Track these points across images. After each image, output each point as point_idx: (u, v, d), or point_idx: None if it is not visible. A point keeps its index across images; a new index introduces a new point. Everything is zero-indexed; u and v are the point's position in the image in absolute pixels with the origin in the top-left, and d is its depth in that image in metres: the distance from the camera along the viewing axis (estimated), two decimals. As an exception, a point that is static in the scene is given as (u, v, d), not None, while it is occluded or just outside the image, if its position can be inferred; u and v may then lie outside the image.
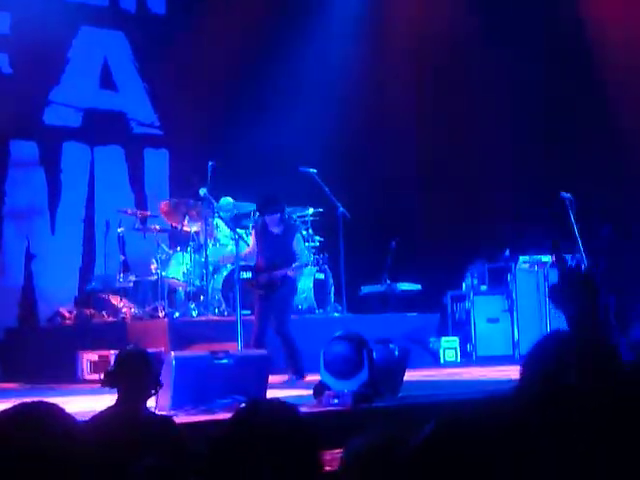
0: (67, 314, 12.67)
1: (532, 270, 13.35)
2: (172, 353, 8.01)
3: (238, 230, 10.84)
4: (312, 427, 2.50)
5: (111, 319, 12.04)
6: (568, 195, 11.97)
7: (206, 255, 11.55)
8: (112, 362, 5.60)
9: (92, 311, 12.28)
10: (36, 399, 2.42)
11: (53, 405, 2.37)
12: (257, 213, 10.74)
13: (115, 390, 5.22)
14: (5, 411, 2.33)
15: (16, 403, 2.38)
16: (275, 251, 10.13)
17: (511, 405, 2.81)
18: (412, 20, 15.53)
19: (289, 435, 2.43)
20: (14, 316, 13.66)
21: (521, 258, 13.45)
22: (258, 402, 2.61)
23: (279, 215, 10.19)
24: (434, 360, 12.89)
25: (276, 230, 10.22)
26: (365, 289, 14.25)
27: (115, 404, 5.19)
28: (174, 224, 12.30)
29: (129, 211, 13.07)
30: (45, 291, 13.86)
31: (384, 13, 15.68)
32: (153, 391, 5.33)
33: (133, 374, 5.20)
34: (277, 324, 10.16)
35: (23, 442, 2.22)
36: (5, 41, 13.82)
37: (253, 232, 10.58)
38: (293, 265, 10.17)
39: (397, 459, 2.94)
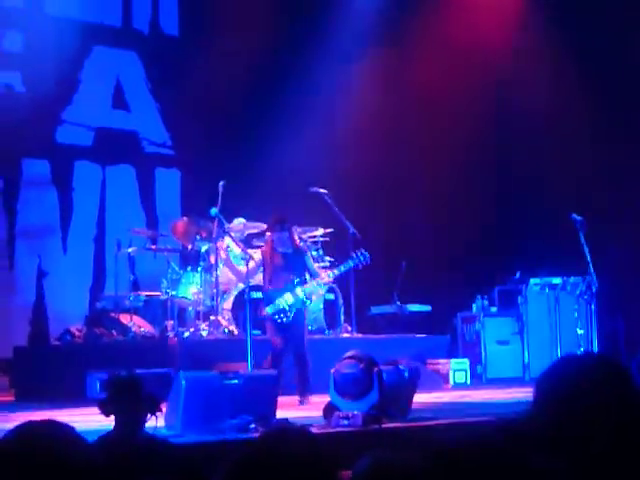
0: (77, 333, 12.67)
1: (543, 292, 13.32)
2: (181, 373, 8.01)
3: (249, 250, 10.83)
4: (331, 453, 2.50)
5: (121, 338, 12.03)
6: (579, 217, 11.97)
7: (216, 275, 11.56)
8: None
9: (102, 330, 12.28)
10: (45, 418, 2.42)
11: (62, 424, 2.38)
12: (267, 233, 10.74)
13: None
14: (13, 430, 2.34)
15: (23, 421, 2.39)
16: (288, 270, 10.16)
17: (522, 429, 2.80)
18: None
19: (311, 461, 2.43)
20: (25, 334, 13.69)
21: (532, 280, 13.42)
22: (281, 428, 2.61)
23: (287, 234, 10.20)
24: (444, 382, 12.85)
25: (284, 250, 10.22)
26: (375, 310, 14.25)
27: (113, 429, 5.21)
28: (185, 244, 12.32)
29: (140, 230, 13.10)
30: (56, 309, 13.89)
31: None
32: (149, 414, 5.33)
33: (125, 400, 5.22)
34: (297, 344, 10.17)
35: (30, 460, 2.23)
36: (18, 60, 13.91)
37: (259, 251, 10.59)
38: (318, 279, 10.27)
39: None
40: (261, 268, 10.37)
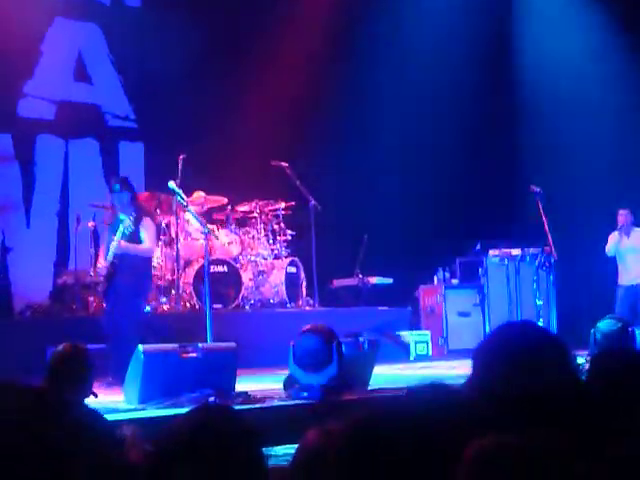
0: (38, 308, 12.66)
1: (502, 264, 13.39)
2: (140, 347, 8.02)
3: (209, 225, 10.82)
4: (254, 430, 2.53)
5: (82, 313, 12.02)
6: (538, 188, 12.06)
7: (177, 249, 11.57)
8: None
9: (63, 305, 12.26)
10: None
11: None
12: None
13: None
14: None
15: None
16: None
17: (460, 397, 2.84)
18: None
19: (234, 440, 2.46)
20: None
21: (491, 252, 13.49)
22: (202, 408, 2.64)
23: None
24: (405, 354, 12.94)
25: None
26: (337, 283, 14.31)
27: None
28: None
29: (100, 204, 13.04)
30: (20, 285, 13.81)
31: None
32: (88, 388, 5.40)
33: (64, 373, 5.27)
34: None
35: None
36: (-22, 33, 13.75)
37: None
38: None
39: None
40: None
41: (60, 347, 5.88)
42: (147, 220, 10.02)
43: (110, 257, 9.86)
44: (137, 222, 9.91)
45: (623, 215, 13.16)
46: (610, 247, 13.15)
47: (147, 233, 9.95)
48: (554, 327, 12.48)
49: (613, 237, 13.17)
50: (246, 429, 2.48)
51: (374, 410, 2.26)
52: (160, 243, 11.92)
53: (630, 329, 8.67)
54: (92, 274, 11.02)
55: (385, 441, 2.15)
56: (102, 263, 10.02)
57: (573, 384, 2.81)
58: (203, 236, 10.05)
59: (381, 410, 2.28)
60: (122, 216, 9.88)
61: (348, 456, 2.17)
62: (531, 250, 13.02)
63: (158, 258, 11.96)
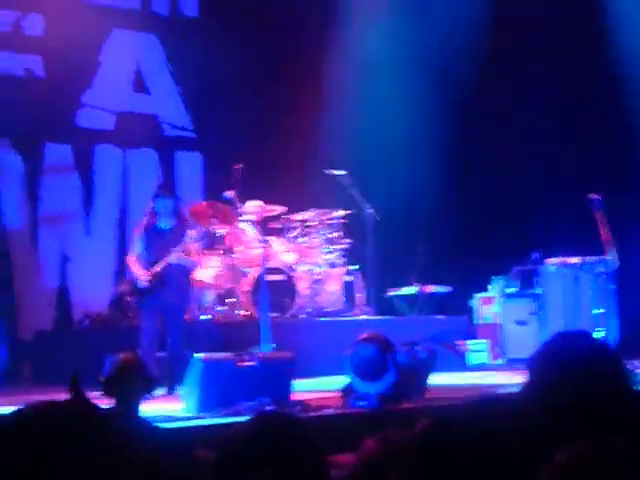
0: (97, 317, 12.80)
1: (561, 272, 13.25)
2: (199, 356, 8.09)
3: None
4: (315, 437, 2.54)
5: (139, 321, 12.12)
6: (596, 196, 11.95)
7: (234, 258, 11.62)
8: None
9: (121, 314, 12.37)
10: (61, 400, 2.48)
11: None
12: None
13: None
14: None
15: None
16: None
17: (516, 407, 2.84)
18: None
19: (297, 448, 2.47)
20: (49, 319, 13.77)
21: (549, 260, 13.37)
22: (267, 416, 2.66)
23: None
24: (462, 363, 12.87)
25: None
26: (394, 291, 14.28)
27: (111, 409, 5.32)
28: (203, 227, 12.31)
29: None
30: (80, 294, 13.95)
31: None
32: (146, 394, 5.47)
33: (122, 381, 5.34)
34: None
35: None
36: (39, 44, 13.95)
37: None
38: None
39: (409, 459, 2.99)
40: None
41: (118, 356, 5.95)
42: (192, 232, 10.08)
43: (160, 267, 9.85)
44: (184, 232, 9.98)
45: None
46: None
47: (193, 245, 10.04)
48: (616, 336, 12.32)
49: None
50: (306, 436, 2.50)
51: (439, 421, 2.26)
52: (218, 252, 11.99)
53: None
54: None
55: (452, 451, 2.15)
56: (143, 273, 9.95)
57: (625, 395, 2.81)
58: (260, 245, 10.10)
59: (446, 421, 2.29)
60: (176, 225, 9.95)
61: (417, 466, 2.18)
62: (590, 258, 12.89)
63: (215, 267, 12.02)
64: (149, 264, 9.92)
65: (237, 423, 2.61)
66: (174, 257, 9.85)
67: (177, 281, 9.89)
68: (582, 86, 14.80)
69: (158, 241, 9.92)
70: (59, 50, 13.70)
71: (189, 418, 7.54)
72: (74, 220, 14.27)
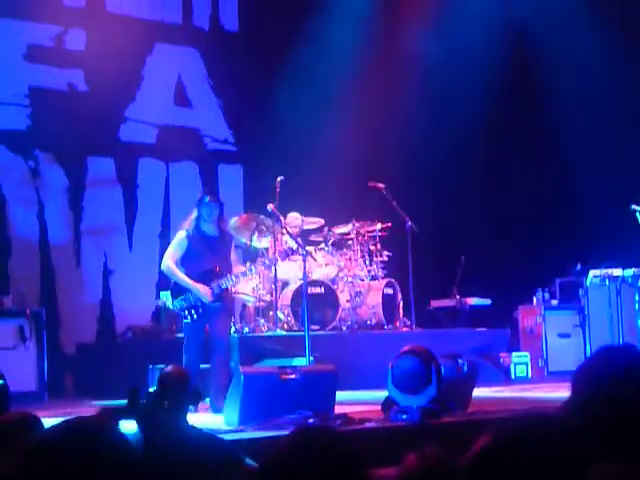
0: (139, 329, 12.87)
1: (604, 284, 13.16)
2: (241, 369, 8.11)
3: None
4: (356, 451, 2.54)
5: (181, 334, 12.16)
6: (639, 207, 11.86)
7: (275, 270, 11.63)
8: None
9: (163, 326, 12.44)
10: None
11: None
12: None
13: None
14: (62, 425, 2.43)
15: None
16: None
17: (562, 421, 2.82)
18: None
19: (338, 462, 2.48)
20: (92, 332, 13.85)
21: (592, 272, 13.28)
22: (307, 429, 2.66)
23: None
24: (505, 376, 12.82)
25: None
26: (434, 304, 14.25)
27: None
28: (244, 239, 12.37)
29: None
30: (123, 307, 14.03)
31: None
32: (192, 406, 5.52)
33: (171, 392, 5.39)
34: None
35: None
36: (80, 58, 14.07)
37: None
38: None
39: (450, 475, 2.98)
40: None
41: (167, 368, 6.00)
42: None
43: (227, 285, 9.56)
44: (230, 241, 9.89)
45: None
46: None
47: (238, 257, 9.94)
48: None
49: None
50: (348, 449, 2.50)
51: (498, 438, 2.26)
52: (258, 265, 12.00)
53: None
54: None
55: (508, 469, 2.15)
56: (204, 288, 9.47)
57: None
58: (301, 258, 10.10)
59: (502, 438, 2.28)
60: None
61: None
62: (633, 270, 12.78)
63: (256, 280, 12.05)
64: (199, 274, 9.49)
65: (279, 436, 2.62)
66: (238, 271, 9.72)
67: (228, 299, 9.81)
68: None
69: (206, 249, 9.55)
70: (101, 64, 13.82)
71: (231, 431, 7.55)
72: (117, 233, 14.35)
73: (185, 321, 9.55)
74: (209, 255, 9.54)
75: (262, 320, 12.10)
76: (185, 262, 9.58)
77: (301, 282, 11.08)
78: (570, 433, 2.56)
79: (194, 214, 9.69)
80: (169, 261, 9.58)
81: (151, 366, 10.23)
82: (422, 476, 3.12)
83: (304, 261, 9.77)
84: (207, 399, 9.17)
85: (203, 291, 9.39)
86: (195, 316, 9.42)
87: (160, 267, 9.98)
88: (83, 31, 14.11)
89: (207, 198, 9.66)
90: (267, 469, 2.51)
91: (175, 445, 4.63)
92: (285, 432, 7.07)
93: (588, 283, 13.28)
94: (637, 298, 12.26)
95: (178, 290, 9.55)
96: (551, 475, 2.11)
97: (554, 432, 2.39)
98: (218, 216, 9.65)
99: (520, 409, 8.09)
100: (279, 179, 11.90)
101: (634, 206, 11.89)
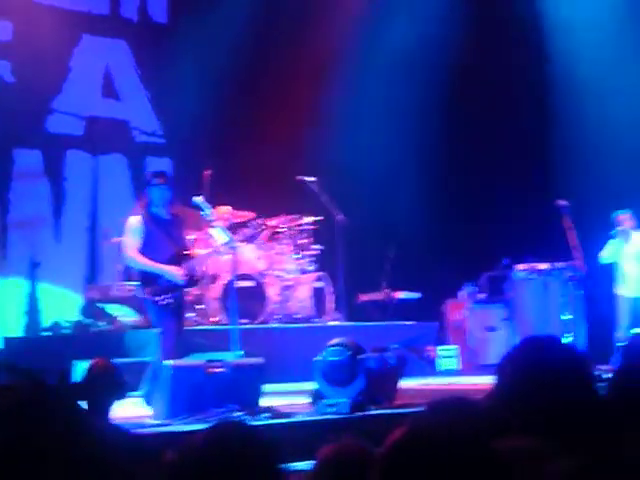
0: (66, 323, 12.74)
1: (530, 278, 13.31)
2: (168, 362, 8.06)
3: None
4: (272, 446, 2.54)
5: (108, 328, 12.07)
6: (565, 202, 12.01)
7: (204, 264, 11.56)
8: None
9: (90, 320, 12.33)
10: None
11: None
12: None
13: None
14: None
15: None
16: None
17: (485, 410, 2.86)
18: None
19: (251, 457, 2.48)
20: (20, 325, 13.69)
21: (518, 266, 13.42)
22: (221, 425, 2.66)
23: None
24: (432, 369, 12.92)
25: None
26: (364, 297, 14.30)
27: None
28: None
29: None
30: (50, 300, 13.88)
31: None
32: (117, 400, 5.48)
33: (96, 386, 5.35)
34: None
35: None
36: (7, 49, 13.88)
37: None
38: None
39: (366, 466, 3.00)
40: None
41: (93, 361, 5.94)
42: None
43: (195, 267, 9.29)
44: (182, 224, 9.51)
45: (625, 219, 12.51)
46: (608, 253, 12.51)
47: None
48: (584, 342, 12.40)
49: (612, 243, 12.53)
50: (262, 445, 2.50)
51: (412, 429, 2.27)
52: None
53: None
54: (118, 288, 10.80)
55: (423, 459, 2.16)
56: (175, 269, 9.04)
57: (591, 400, 2.83)
58: (229, 251, 10.05)
59: (417, 428, 2.30)
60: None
61: (388, 474, 2.19)
62: (559, 264, 12.94)
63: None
64: (165, 260, 9.02)
65: (196, 431, 2.62)
66: (202, 253, 9.46)
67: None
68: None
69: (162, 233, 9.09)
70: (28, 56, 13.66)
71: (158, 425, 7.51)
72: (44, 226, 14.19)
73: (156, 307, 9.02)
74: (168, 239, 9.13)
75: (191, 314, 12.04)
76: (147, 249, 9.03)
77: (229, 276, 11.03)
78: (490, 422, 2.60)
79: (144, 197, 9.26)
80: (131, 251, 9.05)
81: (76, 360, 10.12)
82: (338, 467, 3.15)
83: (233, 255, 9.71)
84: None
85: (177, 273, 8.99)
86: (171, 300, 8.99)
87: (123, 259, 9.53)
88: (9, 22, 13.92)
89: (157, 180, 9.21)
90: (179, 465, 2.51)
91: (91, 440, 4.58)
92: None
93: (515, 277, 13.43)
94: (563, 292, 12.42)
95: (148, 277, 9.03)
96: (462, 464, 2.13)
97: (468, 422, 2.42)
98: (170, 199, 9.23)
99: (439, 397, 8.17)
100: (208, 172, 11.85)
101: (559, 201, 12.04)
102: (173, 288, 9.00)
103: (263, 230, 13.09)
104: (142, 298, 9.26)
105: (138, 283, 9.21)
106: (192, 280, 9.21)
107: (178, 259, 9.09)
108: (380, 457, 2.27)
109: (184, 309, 9.40)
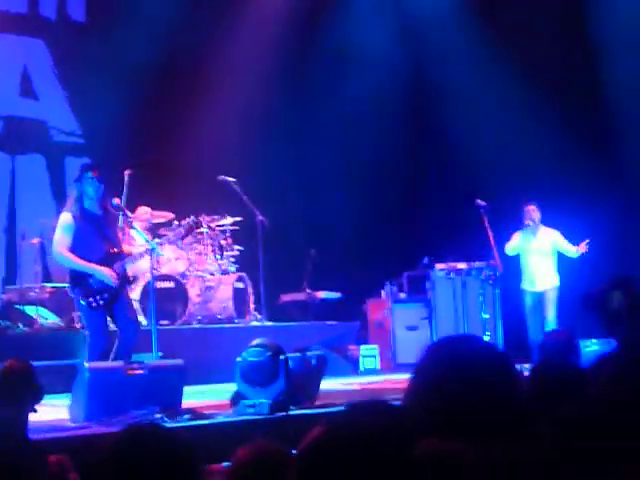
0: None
1: (449, 277, 13.42)
2: (85, 364, 7.98)
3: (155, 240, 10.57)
4: (186, 448, 2.53)
5: (26, 330, 11.88)
6: (483, 202, 12.14)
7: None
8: None
9: (8, 322, 12.14)
10: None
11: None
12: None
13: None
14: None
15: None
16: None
17: (403, 411, 2.86)
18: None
19: (167, 459, 2.46)
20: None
21: (438, 265, 13.53)
22: (135, 428, 2.64)
23: None
24: (354, 368, 12.97)
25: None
26: (285, 298, 14.30)
27: None
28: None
29: (48, 221, 12.91)
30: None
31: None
32: (32, 403, 5.39)
33: (10, 389, 5.26)
34: None
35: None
36: None
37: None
38: None
39: (280, 466, 3.01)
40: None
41: (4, 363, 5.83)
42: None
43: (128, 265, 9.08)
44: (116, 220, 9.24)
45: (531, 211, 12.44)
46: (512, 246, 12.46)
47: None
48: (500, 340, 12.56)
49: (517, 236, 12.51)
50: (177, 447, 2.48)
51: (329, 430, 2.27)
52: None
53: (575, 341, 8.72)
54: (37, 290, 10.62)
55: (338, 460, 2.16)
56: (111, 272, 8.80)
57: (511, 397, 2.84)
58: (149, 252, 9.95)
59: (334, 429, 2.30)
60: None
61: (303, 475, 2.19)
62: (477, 264, 13.07)
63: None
64: (98, 258, 8.76)
65: (107, 435, 2.60)
66: (136, 251, 9.22)
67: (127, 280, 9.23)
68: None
69: (95, 230, 8.81)
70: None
71: (75, 428, 7.43)
72: (-38, 226, 13.97)
73: (87, 308, 8.79)
74: (100, 236, 8.85)
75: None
76: (78, 247, 8.75)
77: (149, 277, 10.93)
78: (409, 423, 2.60)
79: (74, 193, 8.94)
80: (60, 248, 8.73)
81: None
82: (252, 468, 3.15)
83: (151, 256, 9.61)
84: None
85: (107, 274, 8.73)
86: (101, 302, 8.75)
87: (53, 257, 9.20)
88: None
89: (91, 174, 8.85)
90: (89, 469, 2.49)
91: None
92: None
93: (434, 276, 13.53)
94: (481, 291, 12.54)
95: (77, 277, 8.78)
96: (379, 465, 2.14)
97: (386, 423, 2.42)
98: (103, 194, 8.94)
99: (357, 399, 8.22)
100: (127, 172, 11.75)
101: (478, 201, 12.15)
102: (104, 289, 8.80)
103: (183, 230, 13.00)
104: (72, 298, 9.07)
105: (67, 283, 9.02)
106: (124, 280, 9.02)
107: (110, 258, 8.88)
108: (296, 457, 2.27)
109: (124, 307, 9.05)
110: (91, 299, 8.76)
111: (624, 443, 2.62)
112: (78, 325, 11.59)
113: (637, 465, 2.48)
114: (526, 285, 12.61)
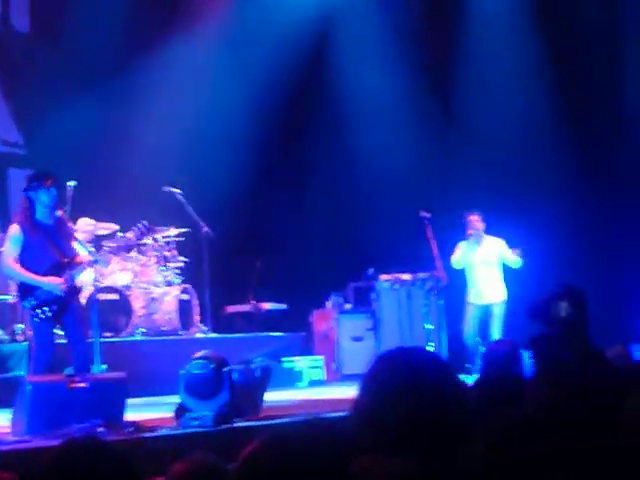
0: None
1: (394, 288, 13.47)
2: (27, 378, 7.90)
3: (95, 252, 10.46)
4: (125, 462, 2.52)
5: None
6: (427, 214, 12.20)
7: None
8: None
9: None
10: None
11: None
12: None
13: None
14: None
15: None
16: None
17: (345, 426, 2.86)
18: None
19: (100, 473, 2.45)
20: None
21: (382, 276, 13.58)
22: (75, 441, 2.62)
23: None
24: (298, 380, 12.96)
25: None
26: (230, 309, 14.27)
27: None
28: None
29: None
30: None
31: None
32: None
33: None
34: None
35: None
36: None
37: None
38: None
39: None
40: None
41: None
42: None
43: (77, 276, 8.98)
44: (69, 228, 9.16)
45: (475, 221, 12.30)
46: (458, 259, 12.32)
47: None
48: (444, 351, 12.61)
49: (461, 246, 12.38)
50: (115, 461, 2.47)
51: (267, 444, 2.27)
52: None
53: (518, 352, 8.77)
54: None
55: (274, 473, 2.16)
56: (59, 281, 8.71)
57: (455, 408, 2.85)
58: (91, 264, 9.86)
59: (273, 443, 2.29)
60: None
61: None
62: (421, 275, 13.13)
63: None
64: (46, 269, 8.68)
65: (48, 448, 2.57)
66: (86, 260, 9.05)
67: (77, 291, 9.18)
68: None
69: (45, 240, 8.70)
70: None
71: (16, 442, 7.34)
72: None
73: (35, 320, 8.72)
74: (51, 246, 8.77)
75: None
76: (27, 258, 8.67)
77: (92, 289, 10.85)
78: (349, 438, 2.60)
79: (25, 203, 8.82)
80: (8, 260, 8.66)
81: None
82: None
83: (94, 268, 9.54)
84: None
85: (54, 283, 8.65)
86: (49, 313, 8.68)
87: (1, 269, 9.09)
88: None
89: (47, 182, 8.73)
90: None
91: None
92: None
93: (379, 287, 13.57)
94: (425, 302, 12.59)
95: (25, 288, 8.70)
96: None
97: (325, 438, 2.42)
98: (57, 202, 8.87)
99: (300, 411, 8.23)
100: (71, 184, 11.66)
101: (422, 212, 12.22)
102: (52, 300, 8.74)
103: (127, 242, 12.93)
104: (22, 310, 9.02)
105: (15, 295, 9.11)
106: (74, 289, 8.95)
107: (60, 267, 8.81)
108: (233, 472, 2.26)
109: (75, 317, 8.96)
110: (39, 310, 8.70)
111: (561, 444, 2.64)
112: (20, 337, 11.49)
113: (573, 466, 2.50)
114: (472, 298, 12.51)
